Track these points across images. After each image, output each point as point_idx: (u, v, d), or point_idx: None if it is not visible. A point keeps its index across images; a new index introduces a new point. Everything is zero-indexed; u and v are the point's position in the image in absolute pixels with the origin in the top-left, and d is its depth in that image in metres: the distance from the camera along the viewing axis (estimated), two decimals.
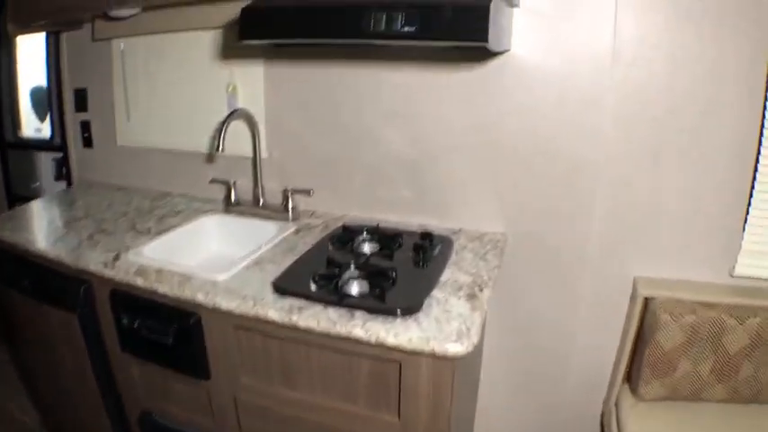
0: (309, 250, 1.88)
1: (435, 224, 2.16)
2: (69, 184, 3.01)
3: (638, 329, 2.00)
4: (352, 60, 2.13)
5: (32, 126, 3.31)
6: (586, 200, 2.00)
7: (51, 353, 2.19)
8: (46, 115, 3.12)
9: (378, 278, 1.61)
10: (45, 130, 3.16)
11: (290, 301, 1.54)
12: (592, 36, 1.83)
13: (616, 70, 1.84)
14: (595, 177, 1.96)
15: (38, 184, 3.27)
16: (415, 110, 2.09)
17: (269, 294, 1.60)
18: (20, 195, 3.43)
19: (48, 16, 2.30)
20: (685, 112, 1.83)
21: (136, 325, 1.82)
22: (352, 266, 1.66)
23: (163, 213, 2.36)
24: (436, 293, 1.60)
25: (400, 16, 1.42)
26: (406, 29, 1.41)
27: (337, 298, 1.52)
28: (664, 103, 1.84)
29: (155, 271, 1.77)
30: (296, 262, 1.78)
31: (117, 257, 1.89)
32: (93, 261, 1.87)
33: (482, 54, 1.93)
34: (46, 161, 3.17)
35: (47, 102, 3.03)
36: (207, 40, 2.36)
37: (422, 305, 1.51)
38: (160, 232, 2.12)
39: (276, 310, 1.51)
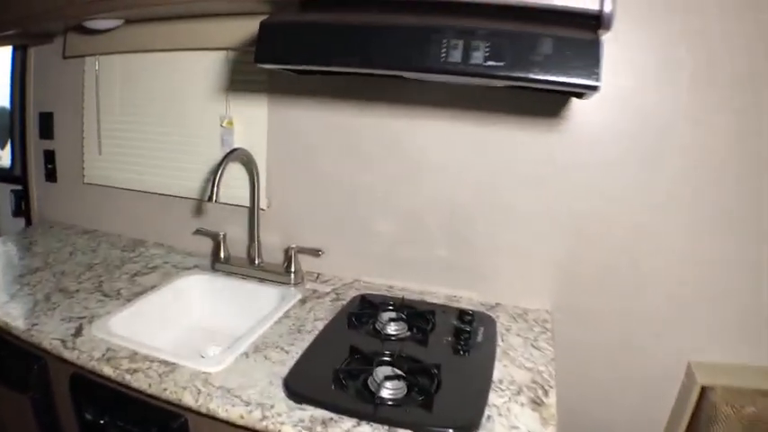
0: (324, 331, 1.57)
1: (466, 295, 1.90)
2: (28, 222, 2.72)
3: (691, 420, 1.78)
4: (379, 100, 1.83)
5: None
6: (644, 274, 1.76)
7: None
8: (6, 141, 2.81)
9: (417, 376, 1.33)
10: (4, 157, 2.84)
11: (309, 412, 1.22)
12: (661, 95, 1.60)
13: (684, 130, 1.62)
14: (657, 249, 1.72)
15: None
16: (450, 161, 1.83)
17: (279, 397, 1.28)
18: None
19: (11, 26, 1.99)
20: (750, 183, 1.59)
21: (102, 422, 1.49)
22: (383, 358, 1.38)
23: (135, 269, 2.05)
24: (492, 398, 1.31)
25: (483, 46, 1.10)
26: (491, 63, 1.09)
27: (372, 408, 1.20)
28: (732, 168, 1.60)
29: (127, 356, 1.45)
30: (310, 349, 1.47)
31: (79, 332, 1.57)
32: (49, 335, 1.55)
33: (555, 101, 1.67)
34: (3, 193, 2.83)
35: (8, 125, 2.70)
36: (200, 64, 2.08)
37: (481, 419, 1.22)
38: (132, 296, 1.81)
39: (293, 425, 1.19)
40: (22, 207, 2.73)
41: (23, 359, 1.62)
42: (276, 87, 1.96)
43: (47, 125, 2.50)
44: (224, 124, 2.05)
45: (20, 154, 2.66)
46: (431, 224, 1.87)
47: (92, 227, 2.48)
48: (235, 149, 1.89)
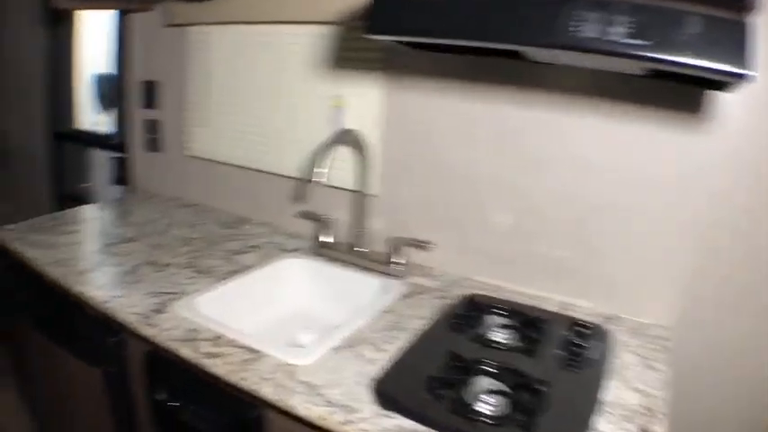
0: (424, 332, 1.45)
1: (581, 304, 1.73)
2: (128, 190, 2.73)
3: None
4: (503, 85, 1.68)
5: (93, 118, 3.04)
6: None
7: (67, 402, 1.92)
8: (111, 108, 2.84)
9: (520, 391, 1.20)
10: (107, 124, 2.87)
11: (397, 421, 1.11)
12: None
13: None
14: None
15: (90, 184, 2.98)
16: (576, 156, 1.66)
17: (365, 401, 1.18)
18: (71, 194, 3.17)
19: None
20: None
21: (175, 404, 1.44)
22: (485, 368, 1.25)
23: (235, 248, 1.99)
24: (600, 423, 1.16)
25: (625, 21, 0.95)
26: (634, 41, 0.95)
27: (467, 424, 1.08)
28: None
29: (210, 338, 1.39)
30: (406, 350, 1.36)
31: (162, 308, 1.52)
32: (129, 309, 1.51)
33: (695, 94, 1.47)
34: (104, 160, 2.86)
35: (113, 93, 2.73)
36: (310, 37, 1.98)
37: None
38: (227, 275, 1.75)
39: None
40: (122, 175, 2.75)
41: (100, 331, 1.60)
42: (391, 66, 1.85)
43: (150, 94, 2.49)
44: (334, 103, 1.96)
45: (122, 122, 2.68)
46: (551, 223, 1.72)
47: (194, 200, 2.46)
48: (345, 130, 1.80)
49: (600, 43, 0.98)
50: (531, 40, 1.06)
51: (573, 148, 1.64)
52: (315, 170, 1.67)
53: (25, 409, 2.94)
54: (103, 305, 1.54)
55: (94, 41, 2.95)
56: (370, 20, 1.23)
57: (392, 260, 1.83)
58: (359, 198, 1.92)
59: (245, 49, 2.14)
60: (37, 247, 1.92)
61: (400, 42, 1.35)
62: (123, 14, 2.54)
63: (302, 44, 1.99)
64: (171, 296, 1.58)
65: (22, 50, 3.54)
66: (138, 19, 2.47)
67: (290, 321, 1.78)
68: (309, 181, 1.98)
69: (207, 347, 1.33)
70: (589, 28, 0.98)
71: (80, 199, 3.10)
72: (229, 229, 2.16)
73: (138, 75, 2.53)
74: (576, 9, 1.00)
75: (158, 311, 1.49)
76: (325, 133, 1.94)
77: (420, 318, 1.55)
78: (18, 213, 3.47)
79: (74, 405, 1.89)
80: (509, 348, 1.39)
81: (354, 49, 1.87)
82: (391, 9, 1.20)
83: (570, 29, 1.00)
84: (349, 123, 1.93)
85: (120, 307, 1.51)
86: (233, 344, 1.35)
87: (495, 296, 1.67)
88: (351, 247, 1.94)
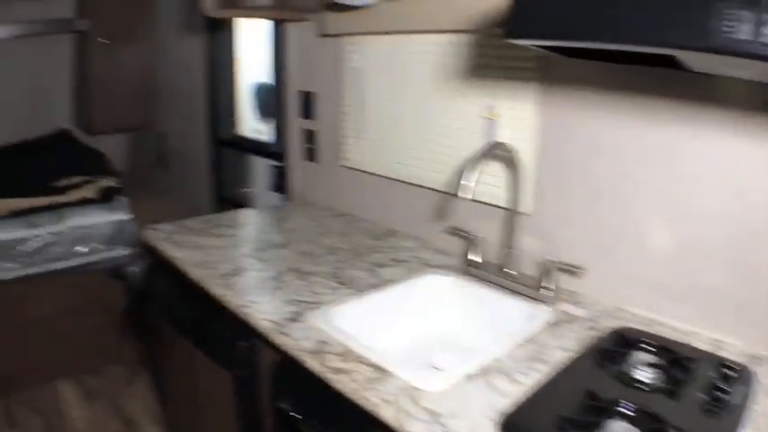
0: (565, 369, 1.35)
1: (733, 342, 1.52)
2: (285, 198, 2.82)
3: None
4: (666, 97, 1.54)
5: (252, 126, 3.16)
6: None
7: (195, 400, 2.00)
8: (269, 117, 2.94)
9: None
10: (266, 132, 2.98)
11: None
12: None
13: None
14: None
15: (250, 190, 3.15)
16: (743, 178, 1.46)
17: None
18: (228, 198, 3.32)
19: None
20: None
21: (297, 415, 1.43)
22: (622, 410, 1.15)
23: (380, 260, 1.98)
24: None
25: None
26: None
27: None
28: None
29: (339, 352, 1.37)
30: (542, 387, 1.26)
31: (297, 317, 1.52)
32: (265, 315, 1.54)
33: None
34: (262, 167, 2.99)
35: (271, 102, 2.82)
36: (462, 46, 1.93)
37: None
38: (368, 288, 1.74)
39: None
40: (279, 183, 2.84)
41: (234, 335, 1.64)
42: (546, 76, 1.76)
43: (307, 105, 2.55)
44: (487, 115, 1.89)
45: (280, 132, 2.77)
46: (709, 250, 1.56)
47: (347, 210, 2.48)
48: (496, 143, 1.73)
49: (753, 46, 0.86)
50: (680, 43, 0.95)
51: (732, 168, 1.48)
52: (462, 184, 1.61)
53: (157, 403, 3.12)
54: (240, 309, 1.58)
55: (255, 50, 3.06)
56: (509, 22, 1.16)
57: (541, 284, 1.74)
58: (509, 216, 1.85)
59: (397, 59, 2.14)
60: (184, 247, 2.02)
61: (544, 47, 1.27)
62: (278, 24, 2.62)
63: (456, 53, 1.94)
64: (308, 305, 1.59)
65: (185, 57, 3.75)
66: (293, 29, 2.54)
67: (427, 340, 1.74)
68: (459, 197, 1.93)
69: (334, 362, 1.32)
70: (743, 28, 0.86)
71: (239, 204, 3.23)
72: (377, 240, 2.16)
73: (295, 85, 2.60)
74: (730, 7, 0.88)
75: (293, 320, 1.50)
76: (476, 148, 1.88)
77: (564, 349, 1.45)
78: (176, 213, 3.67)
79: (202, 405, 1.96)
80: (651, 389, 1.27)
81: (507, 58, 1.80)
82: (531, 11, 1.13)
83: (724, 30, 0.89)
84: (501, 136, 1.86)
85: (256, 313, 1.54)
86: (361, 360, 1.33)
87: (644, 330, 1.53)
88: (498, 267, 1.86)
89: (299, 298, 1.63)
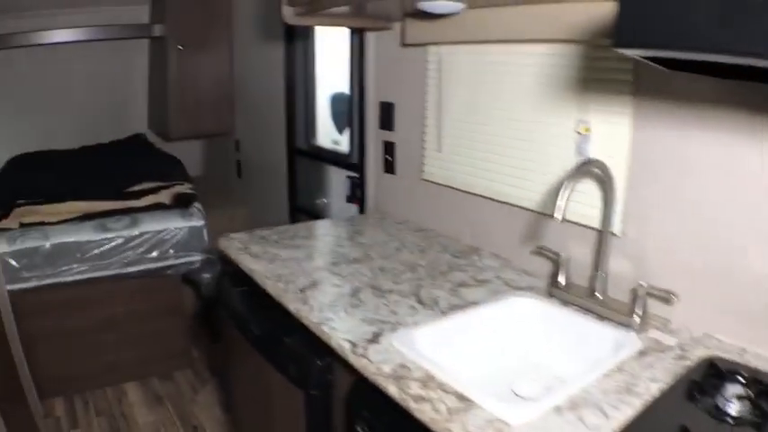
0: (656, 401, 1.27)
1: None
2: (361, 209, 2.79)
3: None
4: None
5: (329, 136, 3.13)
6: None
7: (263, 414, 2.00)
8: (345, 127, 2.91)
9: None
10: (343, 143, 2.94)
11: None
12: None
13: None
14: None
15: (325, 201, 3.13)
16: None
17: None
18: (303, 208, 3.34)
19: (343, 1, 1.97)
20: None
21: None
22: None
23: (462, 279, 1.91)
24: None
25: None
26: None
27: None
28: None
29: (420, 378, 1.32)
30: (634, 419, 1.19)
31: (376, 338, 1.49)
32: (343, 335, 1.50)
33: None
34: (339, 178, 2.95)
35: (349, 112, 2.79)
36: (553, 57, 1.86)
37: None
38: (450, 309, 1.68)
39: None
40: (356, 194, 2.82)
41: (309, 353, 1.62)
42: (643, 88, 1.67)
43: (387, 116, 2.52)
44: (579, 130, 1.82)
45: (358, 142, 2.73)
46: None
47: (426, 225, 2.43)
48: (588, 161, 1.65)
49: None
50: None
51: None
52: (556, 203, 1.54)
53: (223, 412, 3.13)
54: (317, 327, 1.55)
55: (334, 59, 3.04)
56: (616, 30, 1.09)
57: (630, 310, 1.65)
58: (599, 237, 1.77)
59: (484, 70, 2.07)
60: (260, 258, 2.01)
61: (650, 59, 1.19)
62: (359, 33, 2.60)
63: (544, 65, 1.87)
64: (387, 326, 1.55)
65: (263, 65, 3.78)
66: (374, 38, 2.52)
67: (511, 367, 1.67)
68: (547, 215, 1.86)
69: (416, 388, 1.27)
70: None
71: (314, 214, 3.22)
72: (458, 258, 2.10)
73: (374, 95, 2.58)
74: None
75: (372, 341, 1.46)
76: (566, 164, 1.81)
77: (654, 380, 1.36)
78: (250, 222, 3.70)
79: (271, 419, 1.94)
80: (738, 423, 1.18)
81: (601, 70, 1.72)
82: (639, 18, 1.05)
83: None
84: (593, 153, 1.78)
85: (333, 331, 1.51)
86: (444, 388, 1.27)
87: (738, 361, 1.44)
88: (586, 290, 1.78)
89: (378, 317, 1.59)
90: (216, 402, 3.28)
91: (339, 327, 1.53)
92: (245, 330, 2.00)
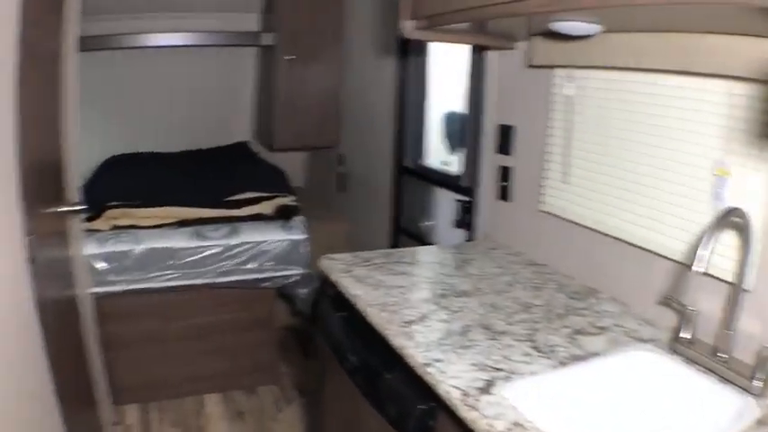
0: None
1: None
2: (469, 236, 2.70)
3: None
4: None
5: (439, 156, 3.08)
6: None
7: None
8: (459, 148, 2.83)
9: None
10: (454, 164, 2.88)
11: None
12: None
13: None
14: None
15: (432, 223, 3.05)
16: None
17: None
18: (406, 229, 3.31)
19: (460, 17, 1.88)
20: None
21: None
22: None
23: (580, 325, 1.78)
24: None
25: None
26: None
27: None
28: None
29: None
30: None
31: (488, 387, 1.38)
32: (450, 380, 1.40)
33: None
34: (447, 201, 2.88)
35: (463, 133, 2.71)
36: (691, 90, 1.70)
37: None
38: (568, 360, 1.55)
39: None
40: (465, 220, 2.73)
41: (411, 394, 1.54)
42: None
43: (505, 139, 2.42)
44: (716, 172, 1.66)
45: (471, 164, 2.64)
46: None
47: (540, 259, 2.30)
48: (731, 209, 1.50)
49: None
50: None
51: None
52: (697, 253, 1.40)
53: None
54: (423, 368, 1.46)
55: (449, 77, 2.96)
56: None
57: (754, 374, 1.48)
58: (731, 291, 1.61)
59: (617, 98, 1.94)
60: (363, 283, 1.96)
61: None
62: (479, 51, 2.51)
63: (680, 97, 1.73)
64: (500, 374, 1.44)
65: (374, 78, 3.74)
66: (495, 57, 2.42)
67: (626, 426, 1.55)
68: (680, 263, 1.72)
69: None
70: None
71: (417, 236, 3.14)
72: (575, 300, 1.97)
73: (492, 117, 2.48)
74: None
75: (483, 391, 1.36)
76: (702, 208, 1.66)
77: None
78: (352, 239, 3.66)
79: None
80: None
81: (747, 109, 1.55)
82: None
83: None
84: (730, 198, 1.62)
85: (439, 375, 1.42)
86: None
87: None
88: (711, 349, 1.62)
89: (490, 363, 1.49)
90: (299, 423, 3.24)
91: (447, 370, 1.43)
92: (342, 358, 1.93)
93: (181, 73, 4.73)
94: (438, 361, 1.48)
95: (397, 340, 1.60)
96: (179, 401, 3.40)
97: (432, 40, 2.80)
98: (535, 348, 1.59)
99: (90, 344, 2.81)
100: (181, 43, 4.36)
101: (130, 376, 3.30)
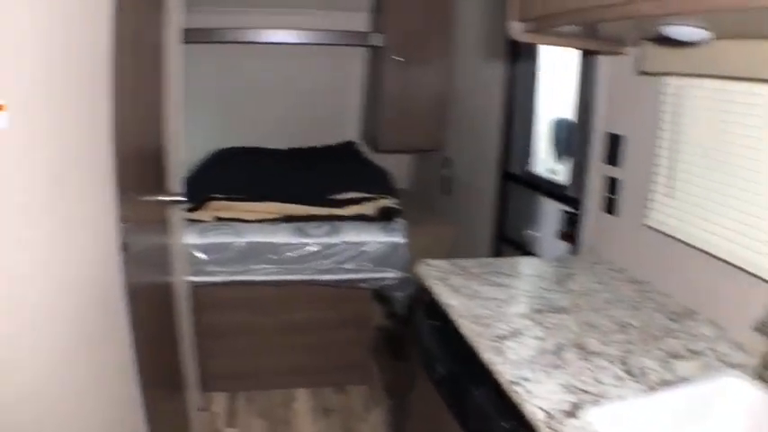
0: None
1: None
2: (573, 249, 2.65)
3: None
4: None
5: (546, 164, 3.06)
6: None
7: None
8: (565, 156, 2.78)
9: None
10: (561, 173, 2.85)
11: None
12: None
13: None
14: None
15: (535, 233, 3.03)
16: None
17: None
18: (508, 237, 3.29)
19: (565, 20, 1.83)
20: None
21: None
22: None
23: (675, 348, 1.71)
24: None
25: None
26: None
27: None
28: None
29: None
30: None
31: (573, 411, 1.35)
32: (536, 400, 1.38)
33: None
34: (552, 210, 2.86)
35: (571, 141, 2.64)
36: None
37: None
38: (659, 385, 1.49)
39: None
40: (569, 231, 2.67)
41: (495, 411, 1.52)
42: None
43: (614, 149, 2.34)
44: None
45: (578, 174, 2.59)
46: None
47: (642, 277, 2.22)
48: None
49: None
50: None
51: None
52: None
53: None
54: (509, 386, 1.44)
55: (559, 82, 2.90)
56: None
57: None
58: None
59: (728, 110, 1.84)
60: (459, 293, 1.94)
61: None
62: (589, 55, 2.45)
63: None
64: (588, 397, 1.40)
65: (482, 81, 3.72)
66: (605, 62, 2.36)
67: None
68: None
69: None
70: None
71: (519, 246, 3.10)
72: (673, 321, 1.89)
73: (600, 125, 2.41)
74: None
75: (569, 414, 1.33)
76: None
77: None
78: (453, 244, 3.64)
79: None
80: None
81: None
82: None
83: None
84: None
85: (526, 394, 1.40)
86: None
87: None
88: None
89: (580, 385, 1.45)
90: (384, 426, 3.24)
91: (534, 390, 1.41)
92: (431, 368, 1.93)
93: (290, 69, 4.82)
94: (526, 380, 1.46)
95: (487, 355, 1.58)
96: (267, 393, 3.48)
97: (540, 43, 2.75)
98: (627, 371, 1.54)
99: (184, 331, 2.90)
100: (293, 41, 4.45)
101: (221, 365, 3.41)
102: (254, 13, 4.46)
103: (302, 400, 3.45)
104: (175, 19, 2.61)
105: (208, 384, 3.26)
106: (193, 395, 3.02)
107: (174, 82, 2.66)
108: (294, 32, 4.40)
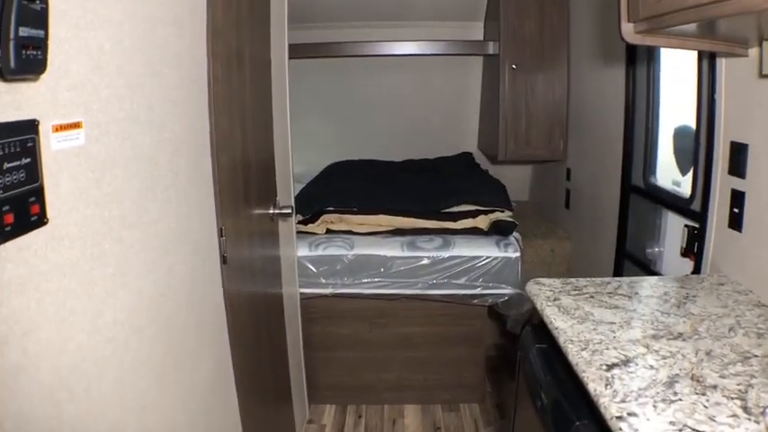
0: None
1: None
2: (696, 269, 2.49)
3: None
4: None
5: (670, 175, 2.92)
6: None
7: None
8: (689, 167, 2.61)
9: None
10: (684, 185, 2.70)
11: None
12: None
13: None
14: None
15: (658, 250, 2.87)
16: None
17: None
18: (630, 254, 3.15)
19: (673, 19, 1.73)
20: None
21: None
22: None
23: None
24: None
25: None
26: None
27: None
28: None
29: None
30: None
31: None
32: None
33: None
34: (675, 226, 2.72)
35: (693, 150, 2.48)
36: None
37: None
38: None
39: None
40: (692, 248, 2.52)
41: None
42: None
43: (738, 159, 2.17)
44: None
45: (702, 187, 2.43)
46: None
47: None
48: None
49: None
50: None
51: None
52: None
53: None
54: (614, 423, 1.35)
55: (680, 87, 2.74)
56: None
57: None
58: None
59: None
60: (568, 315, 1.87)
61: None
62: (709, 58, 2.31)
63: None
64: None
65: (601, 89, 3.60)
66: (726, 64, 2.21)
67: None
68: None
69: None
70: None
71: (641, 263, 2.96)
72: None
73: (723, 133, 2.26)
74: None
75: None
76: None
77: None
78: (574, 259, 3.52)
79: None
80: None
81: None
82: None
83: None
84: None
85: (626, 428, 1.31)
86: None
87: None
88: None
89: (691, 423, 1.33)
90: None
91: (641, 428, 1.31)
92: (535, 395, 1.86)
93: (407, 81, 4.83)
94: (632, 415, 1.36)
95: (594, 385, 1.49)
96: (377, 408, 3.48)
97: (652, 44, 2.60)
98: (744, 409, 1.41)
99: (293, 342, 2.92)
100: (413, 52, 4.45)
101: (331, 377, 3.44)
102: (369, 27, 4.52)
103: (411, 416, 3.43)
104: (281, 34, 2.65)
105: (317, 397, 3.30)
106: (302, 407, 3.03)
107: (281, 96, 2.69)
108: (419, 44, 4.40)
